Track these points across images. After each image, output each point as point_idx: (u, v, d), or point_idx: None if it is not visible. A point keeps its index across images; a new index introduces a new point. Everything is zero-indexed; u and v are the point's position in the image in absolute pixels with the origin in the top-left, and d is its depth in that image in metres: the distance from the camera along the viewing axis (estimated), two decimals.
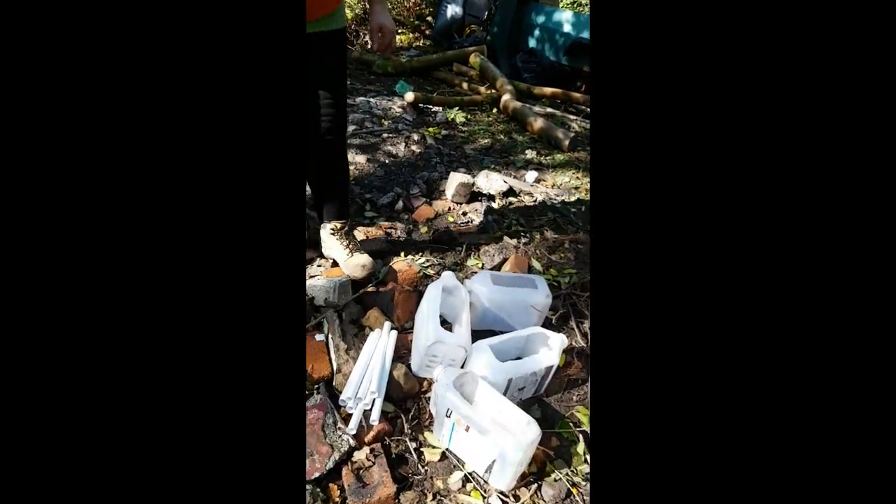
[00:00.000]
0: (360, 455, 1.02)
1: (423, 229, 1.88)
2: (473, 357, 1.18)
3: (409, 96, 3.14)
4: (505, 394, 1.17)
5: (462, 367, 1.23)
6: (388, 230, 1.84)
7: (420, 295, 1.49)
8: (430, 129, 2.89)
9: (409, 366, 1.26)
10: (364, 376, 1.15)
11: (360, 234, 1.76)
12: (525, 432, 0.99)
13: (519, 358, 1.25)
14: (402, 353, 1.31)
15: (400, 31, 5.52)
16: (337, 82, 1.32)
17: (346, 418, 1.09)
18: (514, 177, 2.44)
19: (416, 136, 2.70)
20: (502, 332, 1.42)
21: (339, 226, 1.53)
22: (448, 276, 1.34)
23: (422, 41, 5.47)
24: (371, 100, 3.09)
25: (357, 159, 2.30)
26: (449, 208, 2.06)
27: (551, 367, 1.21)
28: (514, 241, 1.85)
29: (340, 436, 1.04)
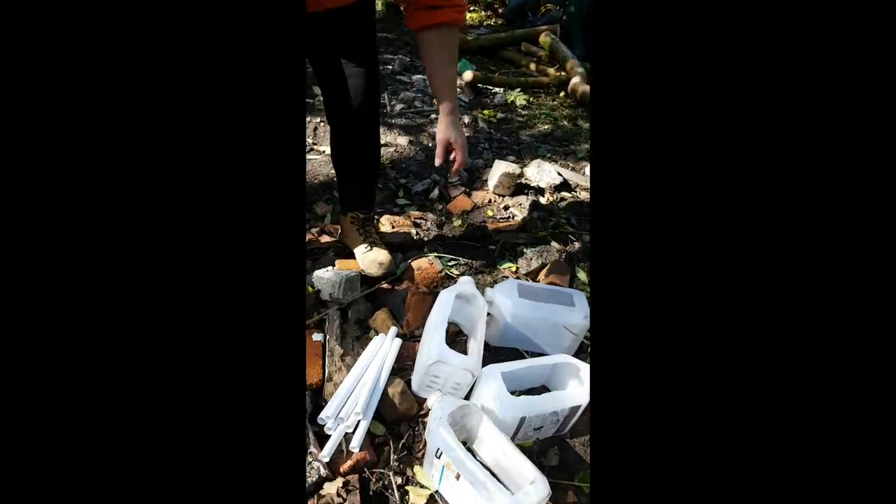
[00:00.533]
0: (331, 488, 0.87)
1: (457, 222, 1.69)
2: (482, 385, 0.99)
3: (468, 75, 2.93)
4: (516, 434, 0.97)
5: (468, 394, 1.04)
6: (419, 220, 1.67)
7: (433, 299, 1.32)
8: (485, 112, 2.66)
9: (409, 382, 1.09)
10: (352, 392, 1.00)
11: (386, 223, 1.61)
12: (529, 493, 0.79)
13: (538, 391, 1.04)
14: (405, 364, 1.14)
15: (472, 7, 5.27)
16: (366, 56, 1.15)
17: (325, 440, 0.94)
18: (572, 169, 2.17)
19: (466, 119, 2.50)
20: (526, 353, 1.22)
21: (361, 216, 1.38)
22: (465, 283, 1.14)
23: (493, 19, 5.18)
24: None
25: (398, 141, 2.14)
26: (489, 200, 1.84)
27: (578, 407, 0.99)
28: (558, 245, 1.61)
29: (311, 462, 0.89)
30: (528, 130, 2.57)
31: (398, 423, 1.03)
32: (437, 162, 1.13)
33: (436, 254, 1.49)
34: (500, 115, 2.68)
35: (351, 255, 1.41)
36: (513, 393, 1.08)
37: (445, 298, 1.09)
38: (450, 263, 1.47)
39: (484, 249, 1.56)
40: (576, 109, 2.95)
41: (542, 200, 1.87)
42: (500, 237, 1.60)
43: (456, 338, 1.24)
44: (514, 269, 1.50)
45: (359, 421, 0.95)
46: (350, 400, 0.98)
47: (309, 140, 2.06)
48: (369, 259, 1.34)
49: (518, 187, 1.89)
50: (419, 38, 1.10)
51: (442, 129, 1.12)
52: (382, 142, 2.14)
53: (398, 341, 1.14)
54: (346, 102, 1.16)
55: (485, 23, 5.04)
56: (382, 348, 1.11)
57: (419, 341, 1.22)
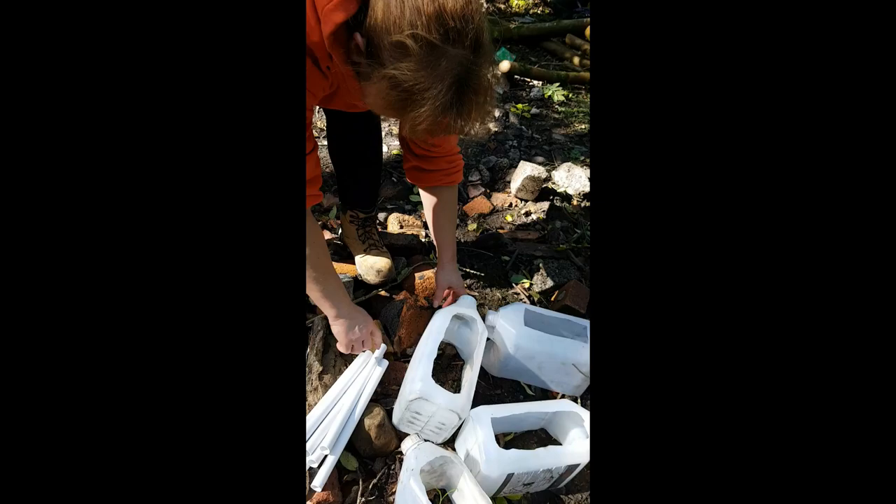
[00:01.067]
0: None
1: (471, 226, 1.55)
2: (469, 429, 0.86)
3: (505, 65, 2.75)
4: (502, 488, 0.84)
5: (454, 436, 0.92)
6: None
7: (432, 314, 1.19)
8: (519, 106, 2.49)
9: (390, 411, 0.98)
10: (323, 420, 0.89)
11: (394, 221, 1.48)
12: None
13: (535, 435, 0.91)
14: (391, 389, 1.03)
15: None
16: None
17: None
18: None
19: (497, 112, 2.33)
20: (528, 387, 1.08)
21: (361, 216, 1.26)
22: (464, 303, 1.01)
23: (541, 7, 4.94)
24: None
25: None
26: (510, 204, 1.70)
27: (577, 465, 0.85)
28: (580, 261, 1.45)
29: None
30: (563, 129, 2.38)
31: (372, 459, 0.92)
32: (436, 304, 1.11)
33: None
34: (534, 110, 2.51)
35: (351, 256, 1.30)
36: (505, 436, 0.95)
37: (439, 321, 0.97)
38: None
39: (497, 260, 1.42)
40: None
41: (568, 208, 1.71)
42: (516, 247, 1.46)
43: (451, 361, 1.11)
44: (527, 285, 1.35)
45: (325, 456, 0.85)
46: (319, 430, 0.87)
47: (318, 124, 1.95)
48: (367, 264, 1.23)
49: (543, 192, 1.73)
50: (421, 193, 1.10)
51: (443, 276, 1.11)
52: (397, 132, 2.01)
53: (384, 363, 1.03)
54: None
55: (531, 10, 4.80)
56: (365, 370, 1.00)
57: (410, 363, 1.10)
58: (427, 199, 1.09)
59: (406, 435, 0.92)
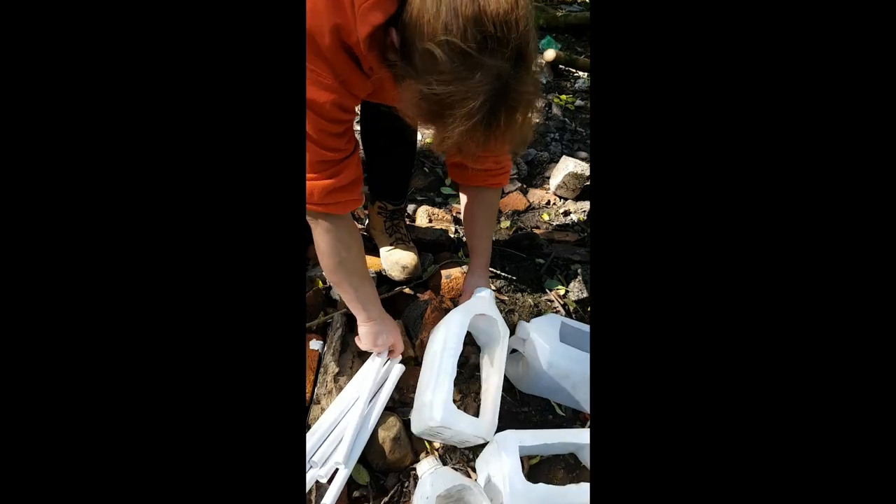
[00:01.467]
0: None
1: (505, 224, 1.46)
2: (493, 455, 0.78)
3: (549, 54, 2.61)
4: None
5: (476, 448, 0.83)
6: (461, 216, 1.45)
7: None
8: (562, 97, 2.36)
9: (407, 421, 0.90)
10: (333, 429, 0.82)
11: (423, 215, 1.40)
12: None
13: (563, 460, 0.82)
14: (408, 397, 0.95)
15: None
16: None
17: None
18: None
19: (540, 103, 2.21)
20: (558, 406, 0.99)
21: (389, 207, 1.19)
22: (482, 300, 0.91)
23: None
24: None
25: None
26: (548, 202, 1.59)
27: None
28: None
29: None
30: None
31: (385, 474, 0.85)
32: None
33: None
34: (578, 102, 2.37)
35: (376, 249, 1.22)
36: (531, 459, 0.86)
37: (457, 325, 0.86)
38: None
39: (530, 262, 1.32)
40: None
41: None
42: (552, 249, 1.35)
43: (475, 372, 1.03)
44: (562, 292, 1.25)
45: (336, 469, 0.78)
46: (329, 440, 0.81)
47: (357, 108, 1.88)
48: (392, 259, 1.15)
49: (585, 191, 1.62)
50: (461, 191, 1.04)
51: (473, 282, 1.02)
52: None
53: (400, 368, 0.95)
54: None
55: None
56: (380, 374, 0.93)
57: None
58: (466, 199, 1.02)
59: (423, 448, 0.85)
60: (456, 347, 0.83)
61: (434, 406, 0.77)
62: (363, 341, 0.92)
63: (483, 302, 0.91)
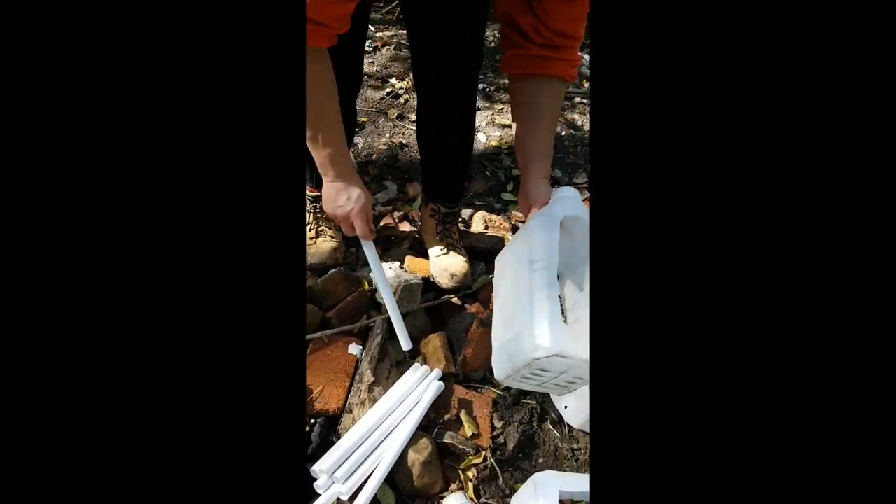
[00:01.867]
0: None
1: None
2: (528, 498, 0.69)
3: None
4: None
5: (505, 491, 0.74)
6: (521, 224, 1.36)
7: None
8: None
9: (437, 441, 0.83)
10: (360, 445, 0.77)
11: (479, 221, 1.33)
12: None
13: None
14: (444, 419, 0.88)
15: None
16: (472, 9, 0.88)
17: (312, 498, 0.73)
18: None
19: None
20: None
21: (442, 210, 1.13)
22: (569, 201, 0.69)
23: None
24: (585, 56, 2.48)
25: None
26: None
27: None
28: None
29: None
30: None
31: (412, 499, 0.79)
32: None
33: None
34: None
35: (426, 252, 1.17)
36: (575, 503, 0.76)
37: (543, 232, 0.65)
38: None
39: None
40: None
41: None
42: None
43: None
44: None
45: (360, 486, 0.73)
46: (355, 455, 0.76)
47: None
48: (441, 265, 1.09)
49: None
50: (517, 87, 0.81)
51: (535, 192, 0.75)
52: (499, 122, 1.84)
53: (438, 386, 0.88)
54: (441, 64, 0.91)
55: None
56: (416, 391, 0.86)
57: (474, 389, 0.95)
58: (527, 93, 0.80)
59: (455, 478, 0.77)
60: (549, 259, 0.64)
61: (537, 331, 0.59)
62: (324, 204, 0.80)
63: (571, 203, 0.68)
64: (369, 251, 0.85)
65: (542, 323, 0.60)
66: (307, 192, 1.13)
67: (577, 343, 0.59)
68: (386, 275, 0.85)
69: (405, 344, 0.91)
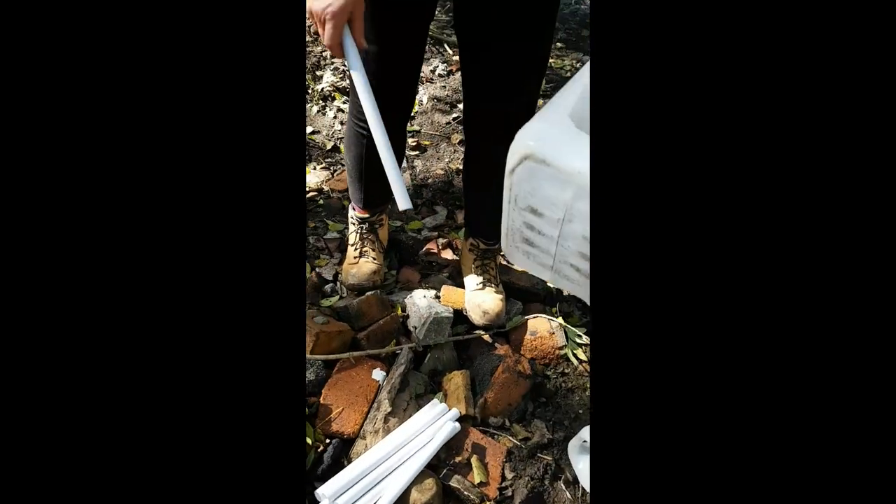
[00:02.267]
0: None
1: None
2: None
3: None
4: None
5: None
6: None
7: (534, 387, 0.99)
8: None
9: (444, 483, 0.82)
10: (366, 476, 0.78)
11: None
12: None
13: None
14: (455, 461, 0.87)
15: None
16: (539, 40, 0.87)
17: None
18: None
19: None
20: None
21: (481, 246, 1.12)
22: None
23: None
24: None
25: None
26: None
27: None
28: None
29: None
30: None
31: None
32: None
33: (564, 320, 1.14)
34: None
35: (463, 284, 1.17)
36: None
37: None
38: (579, 341, 1.11)
39: None
40: None
41: None
42: None
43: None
44: None
45: None
46: (360, 485, 0.77)
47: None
48: (475, 301, 1.08)
49: None
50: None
51: None
52: None
53: (453, 427, 0.87)
54: (498, 94, 0.90)
55: None
56: (431, 428, 0.86)
57: (489, 435, 0.93)
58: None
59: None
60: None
61: (526, 127, 0.49)
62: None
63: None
64: (356, 76, 0.70)
65: (536, 118, 0.49)
66: (356, 213, 1.16)
67: (574, 145, 0.45)
68: (380, 118, 0.68)
69: (402, 203, 0.68)
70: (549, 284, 1.24)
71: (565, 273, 0.54)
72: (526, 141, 0.48)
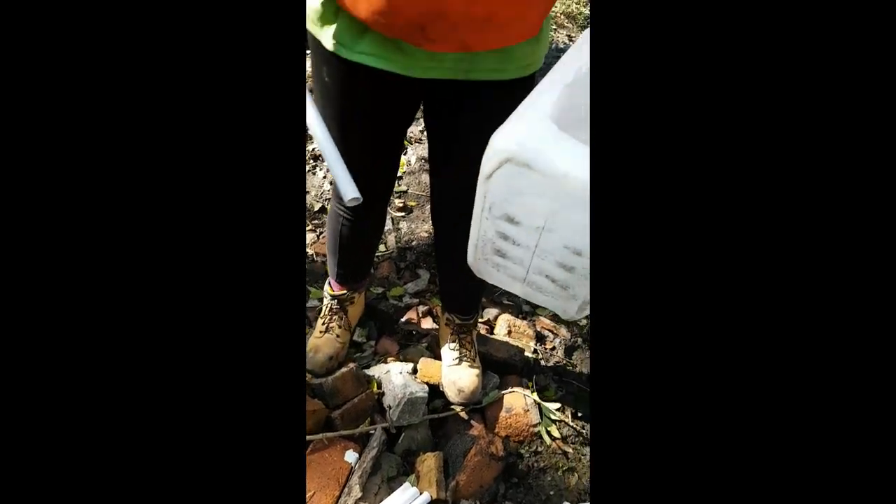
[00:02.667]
0: None
1: None
2: None
3: None
4: None
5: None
6: (547, 332, 1.34)
7: (507, 467, 0.99)
8: None
9: None
10: None
11: (503, 324, 1.32)
12: None
13: None
14: None
15: None
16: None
17: None
18: None
19: None
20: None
21: (457, 321, 1.13)
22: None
23: None
24: None
25: None
26: None
27: None
28: None
29: None
30: None
31: None
32: None
33: (540, 395, 1.14)
34: None
35: (440, 356, 1.18)
36: None
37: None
38: (553, 417, 1.11)
39: None
40: None
41: None
42: None
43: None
44: None
45: None
46: None
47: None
48: (451, 378, 1.09)
49: None
50: None
51: None
52: None
53: None
54: (460, 158, 0.84)
55: None
56: None
57: None
58: None
59: None
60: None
61: (504, 127, 0.46)
62: None
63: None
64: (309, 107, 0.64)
65: (515, 117, 0.45)
66: (329, 289, 1.17)
67: (571, 149, 0.42)
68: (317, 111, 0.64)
69: (349, 193, 0.61)
70: (526, 354, 1.25)
71: (539, 285, 0.52)
72: (507, 143, 0.44)
